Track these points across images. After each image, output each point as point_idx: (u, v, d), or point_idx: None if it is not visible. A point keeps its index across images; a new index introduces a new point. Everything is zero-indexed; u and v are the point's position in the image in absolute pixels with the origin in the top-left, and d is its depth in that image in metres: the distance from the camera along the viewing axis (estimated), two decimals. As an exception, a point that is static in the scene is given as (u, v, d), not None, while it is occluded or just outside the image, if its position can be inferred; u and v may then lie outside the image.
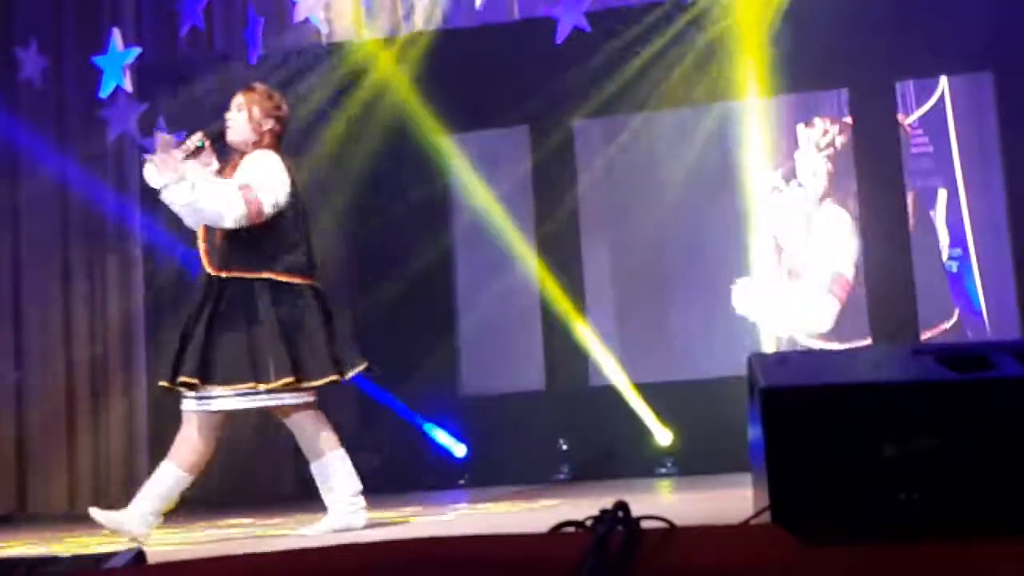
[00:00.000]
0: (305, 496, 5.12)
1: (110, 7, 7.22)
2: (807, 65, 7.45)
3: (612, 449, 7.54)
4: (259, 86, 4.48)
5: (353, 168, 7.79)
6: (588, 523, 2.17)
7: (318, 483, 4.35)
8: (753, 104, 7.66)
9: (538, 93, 7.77)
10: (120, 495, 6.39)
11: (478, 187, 8.01)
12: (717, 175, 7.76)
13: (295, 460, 7.85)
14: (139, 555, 2.66)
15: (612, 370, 7.78)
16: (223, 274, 4.22)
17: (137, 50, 6.64)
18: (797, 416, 2.06)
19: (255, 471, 7.54)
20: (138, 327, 7.31)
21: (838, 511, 2.04)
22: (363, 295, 7.99)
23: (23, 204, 7.30)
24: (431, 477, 7.66)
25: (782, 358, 2.27)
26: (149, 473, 4.45)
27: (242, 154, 4.32)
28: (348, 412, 8.27)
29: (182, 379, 4.14)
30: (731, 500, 3.83)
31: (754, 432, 2.25)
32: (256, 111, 4.32)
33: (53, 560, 2.71)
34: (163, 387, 4.23)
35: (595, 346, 7.85)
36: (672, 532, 2.03)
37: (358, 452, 7.83)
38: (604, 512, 2.13)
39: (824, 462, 2.05)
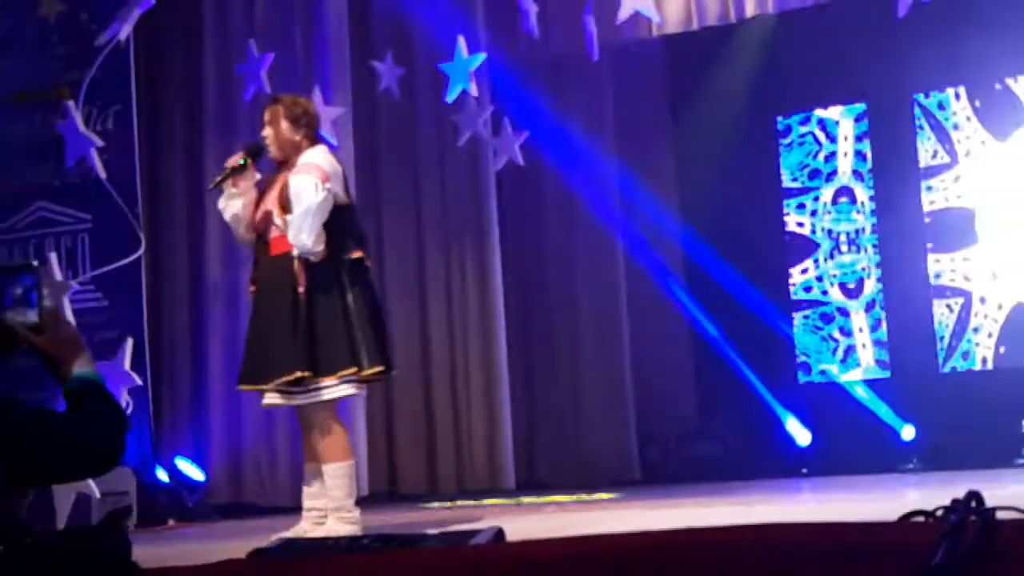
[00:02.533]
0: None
1: (455, 15, 7.58)
2: None
3: (967, 437, 7.21)
4: (284, 97, 4.60)
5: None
6: (938, 513, 2.15)
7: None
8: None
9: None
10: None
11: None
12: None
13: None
14: (499, 533, 2.86)
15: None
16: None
17: (483, 55, 6.92)
18: None
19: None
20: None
21: None
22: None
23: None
24: (772, 465, 7.62)
25: None
26: None
27: (281, 164, 4.44)
28: (688, 402, 8.41)
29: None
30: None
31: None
32: (285, 124, 4.42)
33: (423, 537, 2.96)
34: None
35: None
36: (1029, 523, 1.98)
37: (699, 440, 8.05)
38: (956, 502, 2.10)
39: None
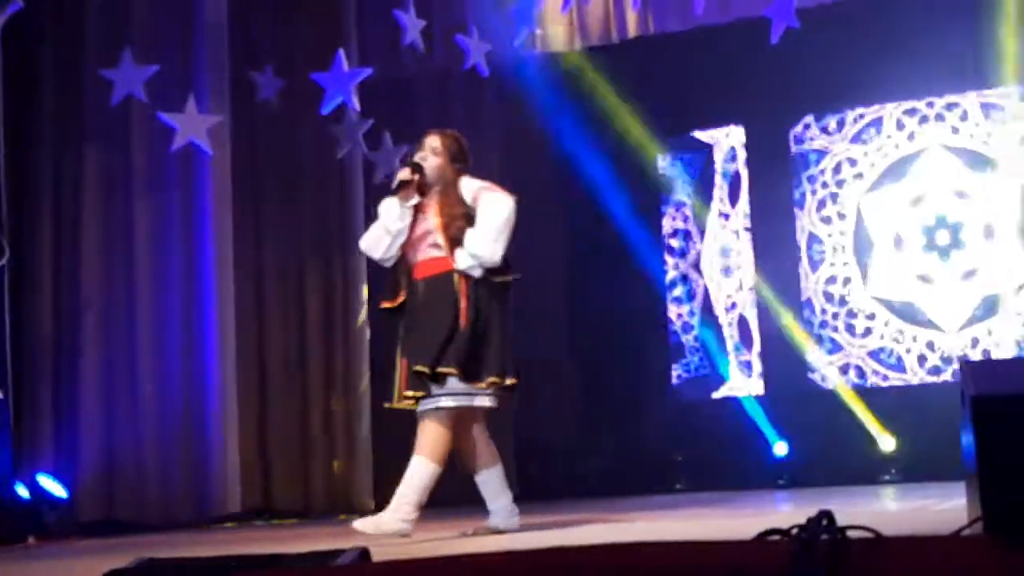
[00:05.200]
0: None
1: (337, 28, 7.54)
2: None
3: (833, 455, 7.41)
4: (450, 132, 4.78)
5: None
6: (793, 531, 2.17)
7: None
8: None
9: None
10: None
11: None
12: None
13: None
14: (364, 553, 2.81)
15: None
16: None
17: (367, 71, 6.89)
18: (1009, 424, 2.01)
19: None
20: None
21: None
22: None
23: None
24: (651, 481, 7.70)
25: (994, 364, 2.21)
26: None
27: (421, 191, 4.61)
28: (570, 418, 8.46)
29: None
30: (951, 509, 3.72)
31: (967, 440, 2.21)
32: (447, 158, 4.65)
33: (286, 557, 2.89)
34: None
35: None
36: (878, 542, 2.01)
37: (581, 456, 8.10)
38: (809, 521, 2.13)
39: (1039, 474, 1.99)
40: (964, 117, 7.90)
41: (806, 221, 8.23)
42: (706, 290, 8.50)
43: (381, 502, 7.61)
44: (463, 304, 4.48)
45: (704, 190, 8.55)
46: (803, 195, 8.26)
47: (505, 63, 7.48)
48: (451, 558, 2.41)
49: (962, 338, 7.77)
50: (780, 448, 7.74)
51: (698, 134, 8.55)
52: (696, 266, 8.55)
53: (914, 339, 7.92)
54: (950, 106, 7.96)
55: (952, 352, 7.79)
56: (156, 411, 6.92)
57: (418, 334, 4.51)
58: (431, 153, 4.65)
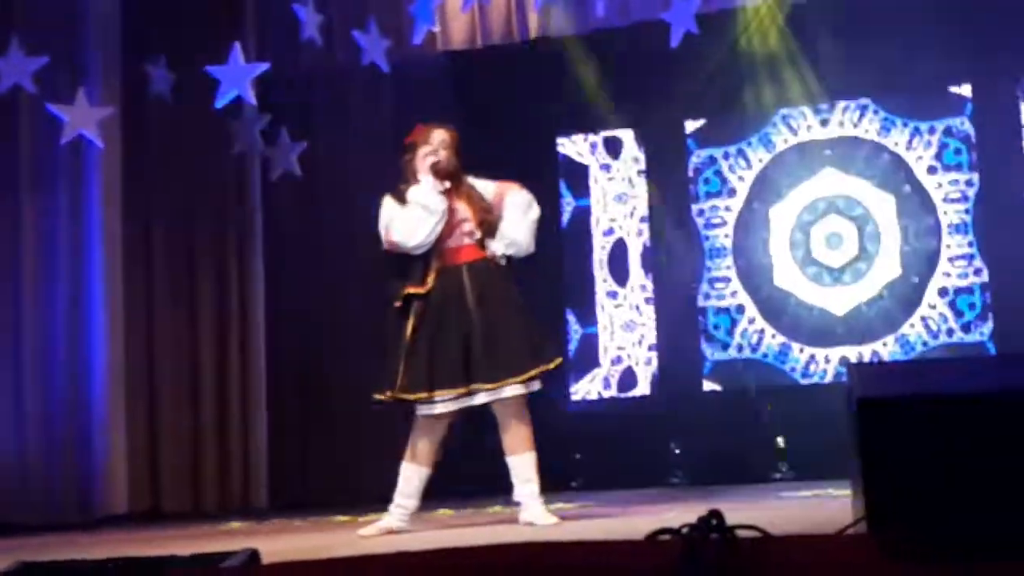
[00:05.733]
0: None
1: (234, 21, 7.43)
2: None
3: (726, 453, 7.52)
4: (450, 127, 4.87)
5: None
6: (683, 531, 2.19)
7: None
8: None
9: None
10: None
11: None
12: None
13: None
14: (254, 555, 2.76)
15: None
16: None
17: (264, 66, 6.78)
18: (893, 426, 2.05)
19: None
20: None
21: (935, 525, 2.01)
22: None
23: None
24: (544, 480, 7.71)
25: (880, 366, 2.25)
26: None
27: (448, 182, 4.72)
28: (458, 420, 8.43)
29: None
30: (838, 508, 3.80)
31: (852, 441, 2.24)
32: (456, 151, 4.77)
33: (171, 560, 2.83)
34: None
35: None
36: (765, 541, 2.04)
37: (469, 458, 8.07)
38: (699, 520, 2.15)
39: (920, 475, 2.02)
40: (857, 123, 8.08)
41: (700, 222, 8.34)
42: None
43: (277, 502, 7.55)
44: (515, 289, 4.70)
45: (603, 189, 8.60)
46: (697, 195, 8.36)
47: (405, 61, 7.44)
48: (337, 560, 2.38)
49: (852, 340, 7.94)
50: (675, 447, 7.83)
51: (593, 135, 8.60)
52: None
53: (805, 341, 8.07)
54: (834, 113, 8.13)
55: (842, 354, 7.95)
56: (40, 410, 6.74)
57: (505, 326, 4.58)
58: (442, 147, 4.74)
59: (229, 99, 6.55)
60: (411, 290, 4.63)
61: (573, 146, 8.67)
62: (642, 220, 8.48)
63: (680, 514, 3.88)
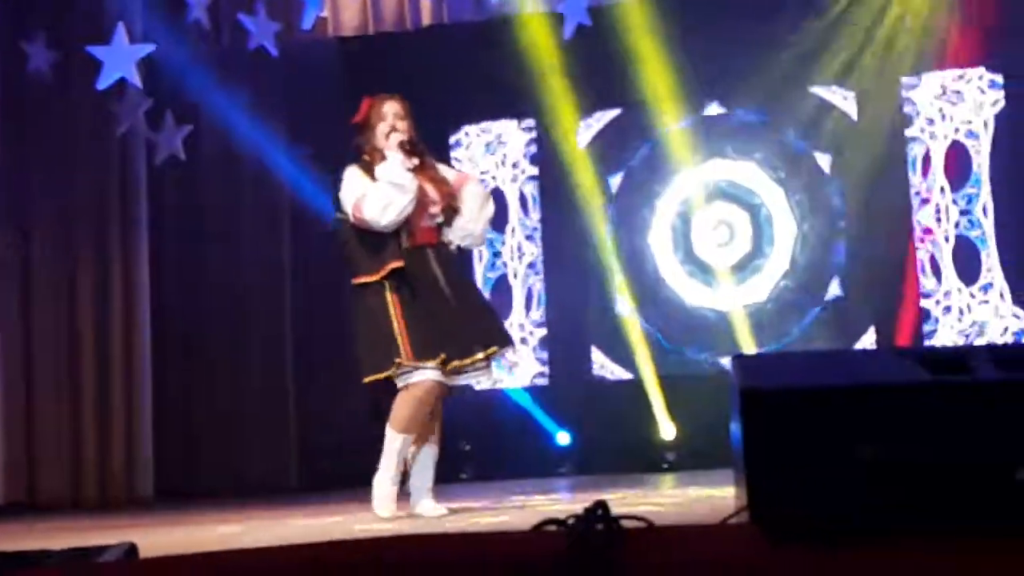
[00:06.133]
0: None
1: (119, 1, 7.24)
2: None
3: (614, 443, 7.59)
4: (402, 97, 4.69)
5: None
6: (569, 522, 2.19)
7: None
8: None
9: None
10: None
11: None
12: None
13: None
14: (131, 549, 2.69)
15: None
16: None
17: (150, 47, 6.61)
18: (774, 417, 2.08)
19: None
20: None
21: (815, 512, 2.05)
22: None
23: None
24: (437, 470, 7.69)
25: (762, 359, 2.28)
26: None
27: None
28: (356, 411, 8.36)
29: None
30: (722, 498, 3.86)
31: (735, 431, 2.27)
32: (412, 118, 4.66)
33: (45, 554, 2.74)
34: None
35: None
36: (651, 531, 2.05)
37: (365, 449, 8.00)
38: (585, 511, 2.15)
39: (801, 464, 2.06)
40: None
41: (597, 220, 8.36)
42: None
43: (162, 493, 7.39)
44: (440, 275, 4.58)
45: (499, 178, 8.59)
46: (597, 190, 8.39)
47: (294, 46, 7.33)
48: (214, 554, 2.33)
49: (742, 331, 8.06)
50: (562, 437, 7.88)
51: (486, 124, 8.58)
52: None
53: (695, 330, 8.18)
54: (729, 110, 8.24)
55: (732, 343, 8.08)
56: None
57: (471, 307, 4.55)
58: (397, 120, 4.58)
59: (112, 81, 6.39)
60: (362, 279, 4.49)
61: (466, 138, 8.64)
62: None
63: (568, 506, 3.90)
